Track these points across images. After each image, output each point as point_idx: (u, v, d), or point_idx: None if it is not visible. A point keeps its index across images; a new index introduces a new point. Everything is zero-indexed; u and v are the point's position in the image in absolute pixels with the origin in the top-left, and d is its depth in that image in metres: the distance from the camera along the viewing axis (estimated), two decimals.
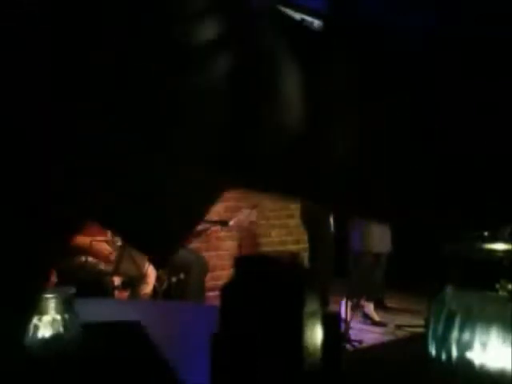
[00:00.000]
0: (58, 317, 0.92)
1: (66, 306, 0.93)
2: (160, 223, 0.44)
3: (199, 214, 0.46)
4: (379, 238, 4.45)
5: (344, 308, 4.30)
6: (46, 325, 0.91)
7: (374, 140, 0.49)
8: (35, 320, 0.90)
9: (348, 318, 4.29)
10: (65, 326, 0.92)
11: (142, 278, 3.90)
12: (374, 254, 4.57)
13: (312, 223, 4.71)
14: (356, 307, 4.61)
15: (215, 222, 4.64)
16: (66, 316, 0.93)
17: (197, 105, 0.42)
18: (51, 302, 0.92)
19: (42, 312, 0.91)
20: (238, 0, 0.45)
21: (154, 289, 4.14)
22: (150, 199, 0.43)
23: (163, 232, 0.44)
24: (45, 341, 0.90)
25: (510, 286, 0.54)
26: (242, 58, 0.44)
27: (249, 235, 5.73)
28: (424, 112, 0.50)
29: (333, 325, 0.52)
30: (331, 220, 4.63)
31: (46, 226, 0.42)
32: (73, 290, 0.95)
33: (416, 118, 0.50)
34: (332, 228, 4.65)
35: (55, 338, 0.91)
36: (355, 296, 4.59)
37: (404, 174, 0.50)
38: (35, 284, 0.45)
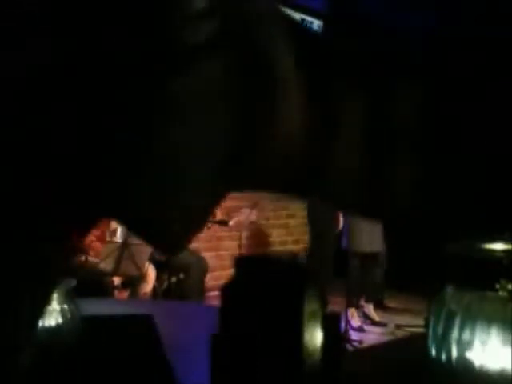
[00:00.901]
0: (58, 307, 0.92)
1: (65, 297, 0.94)
2: (166, 217, 0.44)
3: (202, 214, 0.46)
4: (367, 237, 4.38)
5: (349, 313, 4.30)
6: (45, 315, 0.91)
7: (375, 137, 0.49)
8: None
9: (349, 319, 4.29)
10: (64, 317, 0.92)
11: (142, 277, 3.90)
12: (363, 253, 4.51)
13: (318, 222, 4.67)
14: (354, 305, 4.61)
15: (215, 222, 4.64)
16: (65, 307, 0.93)
17: (197, 105, 0.42)
18: None
19: None
20: (236, 1, 0.45)
21: (154, 289, 4.14)
22: (160, 193, 0.43)
23: (169, 226, 0.44)
24: (44, 331, 0.90)
25: (510, 286, 0.54)
26: (241, 58, 0.44)
27: (249, 235, 5.73)
28: (424, 113, 0.50)
29: (333, 325, 0.52)
30: (341, 219, 4.57)
31: (53, 226, 0.43)
32: (73, 282, 0.96)
33: (416, 120, 0.50)
34: (340, 227, 4.59)
35: (54, 328, 0.91)
36: (354, 295, 4.59)
37: (405, 176, 0.50)
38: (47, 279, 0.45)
